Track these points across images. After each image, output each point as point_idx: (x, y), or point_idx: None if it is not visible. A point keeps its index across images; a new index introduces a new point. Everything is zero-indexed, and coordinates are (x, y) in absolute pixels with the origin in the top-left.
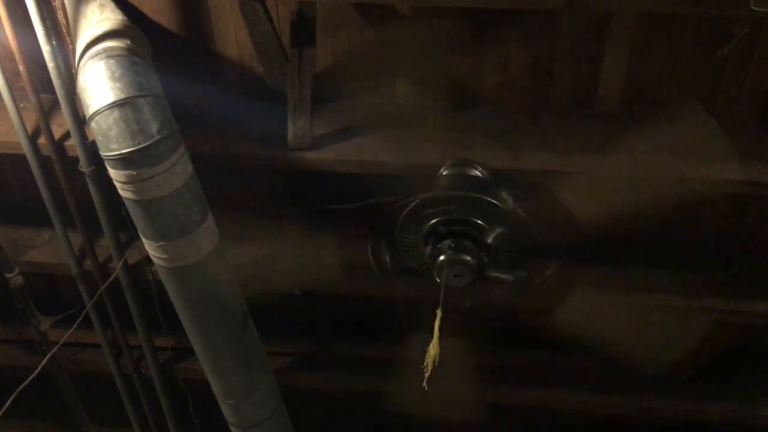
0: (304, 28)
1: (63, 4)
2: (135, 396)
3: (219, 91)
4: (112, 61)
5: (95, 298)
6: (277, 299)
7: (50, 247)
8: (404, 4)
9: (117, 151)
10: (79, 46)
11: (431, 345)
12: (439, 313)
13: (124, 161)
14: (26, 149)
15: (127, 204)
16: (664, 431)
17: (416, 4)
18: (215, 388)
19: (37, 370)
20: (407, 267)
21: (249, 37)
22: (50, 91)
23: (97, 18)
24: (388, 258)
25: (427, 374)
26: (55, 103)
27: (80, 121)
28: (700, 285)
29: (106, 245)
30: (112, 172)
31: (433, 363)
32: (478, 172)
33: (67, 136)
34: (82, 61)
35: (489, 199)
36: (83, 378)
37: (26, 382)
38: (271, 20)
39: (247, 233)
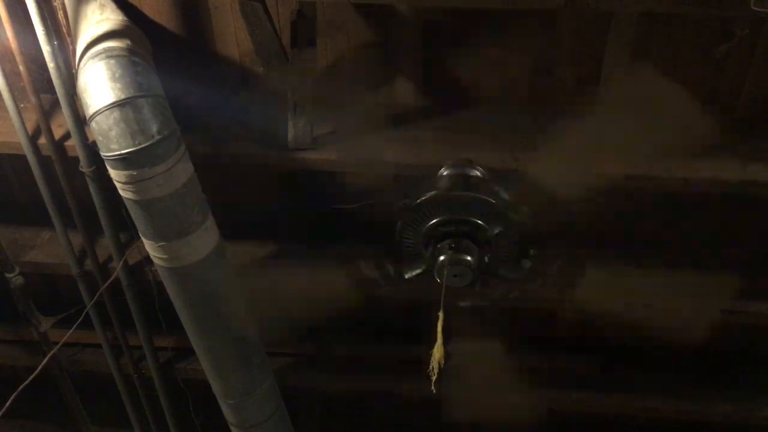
0: (304, 28)
1: (63, 4)
2: (135, 396)
3: (219, 91)
4: (112, 62)
5: (95, 298)
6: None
7: (50, 247)
8: (404, 4)
9: (117, 151)
10: (80, 47)
11: (435, 348)
12: (441, 314)
13: (124, 161)
14: (26, 149)
15: (128, 204)
16: (664, 431)
17: (416, 4)
18: (215, 388)
19: (37, 370)
20: (410, 272)
21: (249, 37)
22: (50, 92)
23: (98, 18)
24: (391, 267)
25: (434, 377)
26: (56, 103)
27: (80, 121)
28: (700, 285)
29: (106, 245)
30: (113, 173)
31: (439, 366)
32: (477, 172)
33: (67, 136)
34: (83, 62)
35: (488, 198)
36: (83, 378)
37: (26, 382)
38: (271, 20)
39: (247, 234)
